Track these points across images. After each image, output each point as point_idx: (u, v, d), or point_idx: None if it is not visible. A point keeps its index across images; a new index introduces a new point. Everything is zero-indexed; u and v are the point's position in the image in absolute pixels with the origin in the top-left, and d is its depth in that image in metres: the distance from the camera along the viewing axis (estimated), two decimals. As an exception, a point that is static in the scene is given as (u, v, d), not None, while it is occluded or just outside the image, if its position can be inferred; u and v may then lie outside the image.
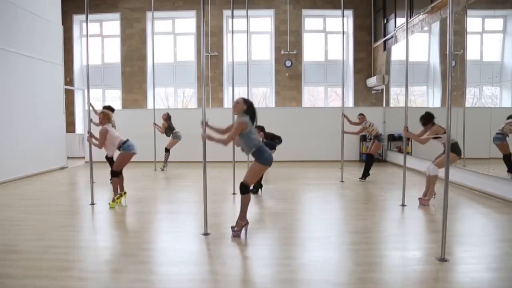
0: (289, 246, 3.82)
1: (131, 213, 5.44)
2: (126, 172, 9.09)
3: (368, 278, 3.02)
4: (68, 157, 10.25)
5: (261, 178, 6.33)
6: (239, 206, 5.52)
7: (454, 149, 5.21)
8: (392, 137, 10.72)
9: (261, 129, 7.26)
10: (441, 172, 4.96)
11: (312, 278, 3.04)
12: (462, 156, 5.39)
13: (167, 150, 9.23)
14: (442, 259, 3.31)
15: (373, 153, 7.67)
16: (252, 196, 6.20)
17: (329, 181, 7.61)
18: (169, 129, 9.11)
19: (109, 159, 6.99)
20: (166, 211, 5.47)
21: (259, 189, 6.39)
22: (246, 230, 4.13)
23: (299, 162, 10.49)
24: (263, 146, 4.01)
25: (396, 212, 5.19)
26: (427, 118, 5.35)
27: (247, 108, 3.99)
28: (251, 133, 3.96)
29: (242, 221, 4.08)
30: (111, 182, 5.75)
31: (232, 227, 4.11)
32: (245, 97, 4.15)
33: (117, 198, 5.58)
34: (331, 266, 3.29)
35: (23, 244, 3.82)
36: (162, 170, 9.25)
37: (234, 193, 6.22)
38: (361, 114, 7.98)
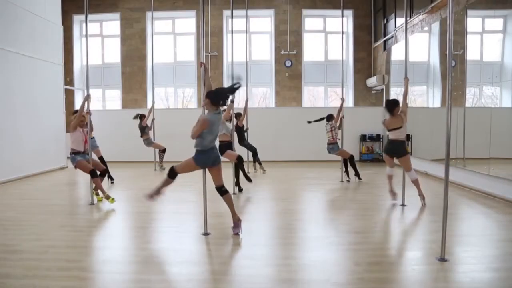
0: (289, 246, 3.83)
1: (131, 213, 5.45)
2: (126, 171, 9.13)
3: (368, 278, 3.02)
4: (68, 157, 10.24)
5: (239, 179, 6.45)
6: (239, 206, 5.54)
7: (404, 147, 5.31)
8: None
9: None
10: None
11: (312, 278, 3.04)
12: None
13: (164, 151, 9.33)
14: (442, 259, 3.31)
15: (344, 156, 7.45)
16: (251, 196, 6.21)
17: (329, 181, 7.61)
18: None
19: (101, 159, 7.05)
20: (166, 211, 5.47)
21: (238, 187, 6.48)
22: (240, 226, 4.17)
23: (299, 162, 10.48)
24: (205, 151, 4.02)
25: (396, 212, 5.19)
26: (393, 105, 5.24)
27: (211, 100, 3.96)
28: (208, 134, 3.97)
29: (235, 218, 4.15)
30: (110, 181, 5.76)
31: (232, 228, 4.17)
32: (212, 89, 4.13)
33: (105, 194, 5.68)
34: (331, 266, 3.29)
35: (23, 244, 3.82)
36: (163, 169, 9.31)
37: (234, 193, 6.22)
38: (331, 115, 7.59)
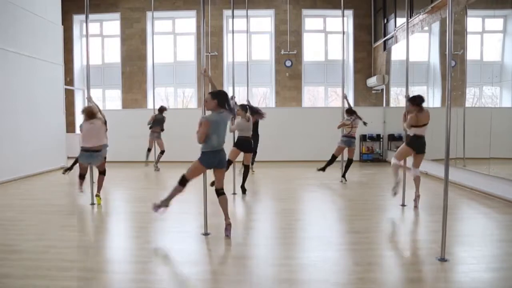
0: (289, 246, 3.83)
1: (131, 213, 5.45)
2: (126, 171, 9.13)
3: (368, 278, 3.02)
4: (68, 157, 10.23)
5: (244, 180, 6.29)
6: (239, 206, 5.54)
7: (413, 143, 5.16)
8: (392, 137, 10.72)
9: (244, 108, 6.37)
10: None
11: (312, 278, 3.04)
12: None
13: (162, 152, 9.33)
14: (442, 259, 3.31)
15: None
16: (251, 196, 6.21)
17: (329, 181, 7.60)
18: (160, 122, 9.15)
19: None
20: (166, 211, 5.46)
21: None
22: (229, 230, 4.09)
23: (299, 162, 10.48)
24: (213, 152, 3.93)
25: (396, 212, 5.19)
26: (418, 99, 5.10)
27: (218, 101, 3.89)
28: (213, 134, 3.87)
29: (226, 221, 4.09)
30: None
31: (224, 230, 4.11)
32: (213, 91, 4.06)
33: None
34: (331, 266, 3.29)
35: (23, 244, 3.82)
36: (157, 169, 9.32)
37: (234, 193, 6.22)
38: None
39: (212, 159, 3.95)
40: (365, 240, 3.94)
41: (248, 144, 6.12)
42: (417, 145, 5.17)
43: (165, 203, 4.10)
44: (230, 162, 5.94)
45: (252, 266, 3.31)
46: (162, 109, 9.22)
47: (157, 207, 4.11)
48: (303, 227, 4.61)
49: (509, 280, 3.00)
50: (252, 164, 8.75)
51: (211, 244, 3.87)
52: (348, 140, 7.24)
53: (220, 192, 4.10)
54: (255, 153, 8.67)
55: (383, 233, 4.34)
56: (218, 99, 3.90)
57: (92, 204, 5.56)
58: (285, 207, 5.45)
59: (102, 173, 5.63)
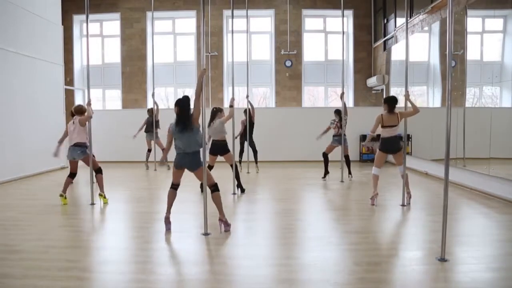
0: (289, 246, 3.83)
1: (131, 213, 5.44)
2: (127, 171, 9.13)
3: (368, 278, 3.02)
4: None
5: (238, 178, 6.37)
6: (239, 206, 5.54)
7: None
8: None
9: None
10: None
11: (312, 278, 3.04)
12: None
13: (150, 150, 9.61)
14: (442, 259, 3.31)
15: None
16: (251, 196, 6.21)
17: (329, 181, 7.61)
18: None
19: None
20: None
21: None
22: (220, 225, 4.29)
23: (299, 162, 10.48)
24: (177, 154, 4.25)
25: (396, 212, 5.19)
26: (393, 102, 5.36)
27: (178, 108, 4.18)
28: (174, 140, 4.27)
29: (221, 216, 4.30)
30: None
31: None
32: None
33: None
34: (331, 266, 3.29)
35: (23, 244, 3.83)
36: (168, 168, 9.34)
37: (234, 193, 6.22)
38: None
39: (177, 161, 4.22)
40: (365, 240, 3.95)
41: (220, 147, 6.19)
42: (387, 147, 5.40)
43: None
44: (210, 168, 6.15)
45: (252, 266, 3.31)
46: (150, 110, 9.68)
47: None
48: (303, 227, 4.61)
49: (509, 280, 3.00)
50: (256, 163, 8.83)
51: (211, 244, 3.87)
52: (339, 138, 7.63)
53: (211, 190, 4.26)
54: (255, 151, 8.78)
55: (383, 233, 4.34)
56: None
57: (92, 204, 5.56)
58: (285, 207, 5.45)
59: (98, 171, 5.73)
